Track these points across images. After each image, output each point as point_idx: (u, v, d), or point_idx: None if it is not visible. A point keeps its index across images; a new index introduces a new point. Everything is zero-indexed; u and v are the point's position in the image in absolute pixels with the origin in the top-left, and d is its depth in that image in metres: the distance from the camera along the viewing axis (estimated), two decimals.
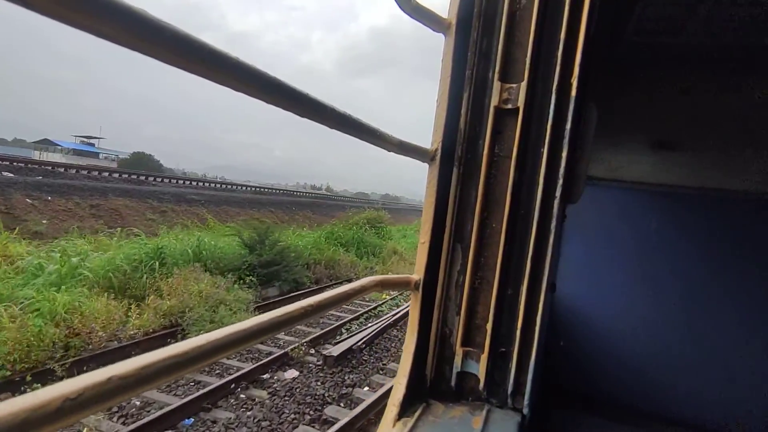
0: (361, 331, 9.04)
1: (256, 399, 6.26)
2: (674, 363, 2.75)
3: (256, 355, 7.77)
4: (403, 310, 10.94)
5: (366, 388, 6.89)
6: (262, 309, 9.83)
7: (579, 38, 0.89)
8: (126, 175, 24.93)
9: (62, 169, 22.78)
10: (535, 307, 0.94)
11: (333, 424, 5.50)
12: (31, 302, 7.35)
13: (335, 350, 7.73)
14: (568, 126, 0.91)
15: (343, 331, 9.48)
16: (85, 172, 22.94)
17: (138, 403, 5.86)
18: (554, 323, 2.88)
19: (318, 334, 8.75)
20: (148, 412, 5.62)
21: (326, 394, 6.49)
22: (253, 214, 22.34)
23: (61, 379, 5.54)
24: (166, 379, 0.40)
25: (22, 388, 5.74)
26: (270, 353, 7.69)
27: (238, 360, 7.49)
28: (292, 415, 5.87)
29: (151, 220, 17.53)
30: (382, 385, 6.93)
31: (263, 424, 5.61)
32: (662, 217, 2.86)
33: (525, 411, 0.94)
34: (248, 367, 6.98)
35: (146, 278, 9.52)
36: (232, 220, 19.27)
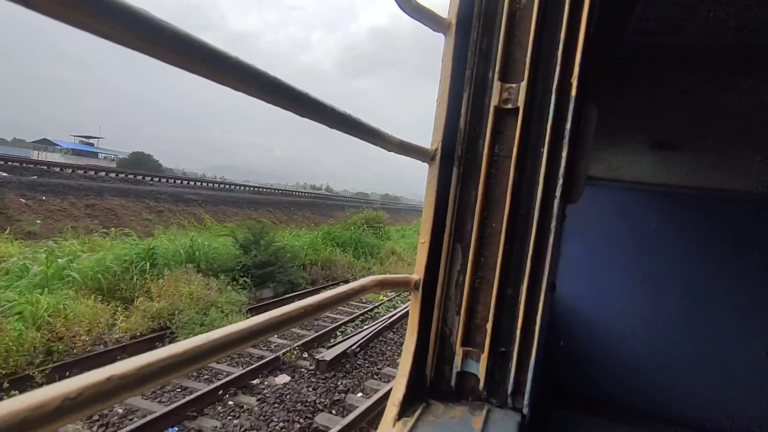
0: (356, 334, 8.80)
1: (245, 406, 6.02)
2: (674, 363, 2.75)
3: (247, 359, 7.56)
4: (400, 311, 10.75)
5: (360, 394, 6.62)
6: (255, 311, 9.64)
7: (579, 38, 0.90)
8: (123, 175, 24.85)
9: (58, 169, 22.70)
10: (535, 306, 0.94)
11: None
12: (13, 305, 7.04)
13: (328, 354, 7.51)
14: (568, 126, 0.91)
15: (338, 333, 9.21)
16: (81, 172, 22.87)
17: (120, 411, 5.63)
18: (554, 323, 2.88)
19: (312, 337, 8.51)
20: (131, 420, 5.38)
21: (318, 401, 6.25)
22: (250, 214, 22.24)
23: (40, 385, 5.39)
24: (166, 379, 0.40)
25: None
26: (261, 357, 7.47)
27: (227, 364, 7.25)
28: (281, 424, 5.62)
29: (148, 220, 17.43)
30: (376, 390, 6.61)
31: None
32: (662, 217, 2.86)
33: (525, 411, 0.94)
34: (238, 372, 6.72)
35: (136, 280, 9.27)
36: (230, 220, 19.21)
